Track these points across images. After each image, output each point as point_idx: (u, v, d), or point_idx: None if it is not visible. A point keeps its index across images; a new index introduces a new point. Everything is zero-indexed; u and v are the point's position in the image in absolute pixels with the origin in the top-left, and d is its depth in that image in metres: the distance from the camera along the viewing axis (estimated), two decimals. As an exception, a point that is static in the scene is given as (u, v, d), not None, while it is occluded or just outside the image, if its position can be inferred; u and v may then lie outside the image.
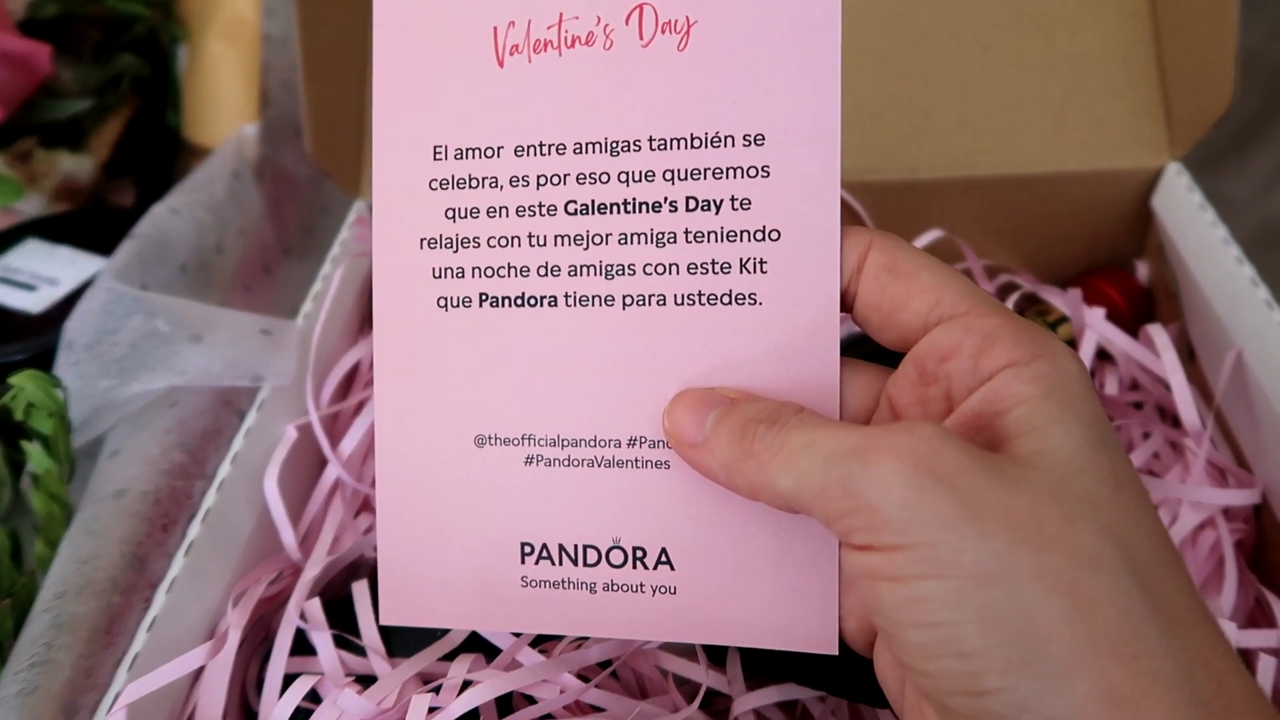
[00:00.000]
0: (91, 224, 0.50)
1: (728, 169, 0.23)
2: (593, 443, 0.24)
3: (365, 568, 0.36)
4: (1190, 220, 0.41)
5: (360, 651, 0.30)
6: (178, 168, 0.60)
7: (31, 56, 0.50)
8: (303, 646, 0.31)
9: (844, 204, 0.23)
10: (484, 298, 0.25)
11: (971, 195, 0.46)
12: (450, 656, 0.29)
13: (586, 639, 0.29)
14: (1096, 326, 0.40)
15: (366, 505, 0.38)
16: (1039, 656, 0.16)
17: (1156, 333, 0.39)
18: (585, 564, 0.24)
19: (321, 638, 0.30)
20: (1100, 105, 0.45)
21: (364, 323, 0.45)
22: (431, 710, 0.26)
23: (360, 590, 0.31)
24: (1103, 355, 0.42)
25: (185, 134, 0.58)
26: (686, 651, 0.30)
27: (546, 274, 0.24)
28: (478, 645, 0.30)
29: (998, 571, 0.17)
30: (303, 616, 0.31)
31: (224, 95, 0.55)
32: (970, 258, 0.44)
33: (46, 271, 0.46)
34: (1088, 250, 0.48)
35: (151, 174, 0.60)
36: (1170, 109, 0.44)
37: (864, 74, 0.46)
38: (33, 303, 0.44)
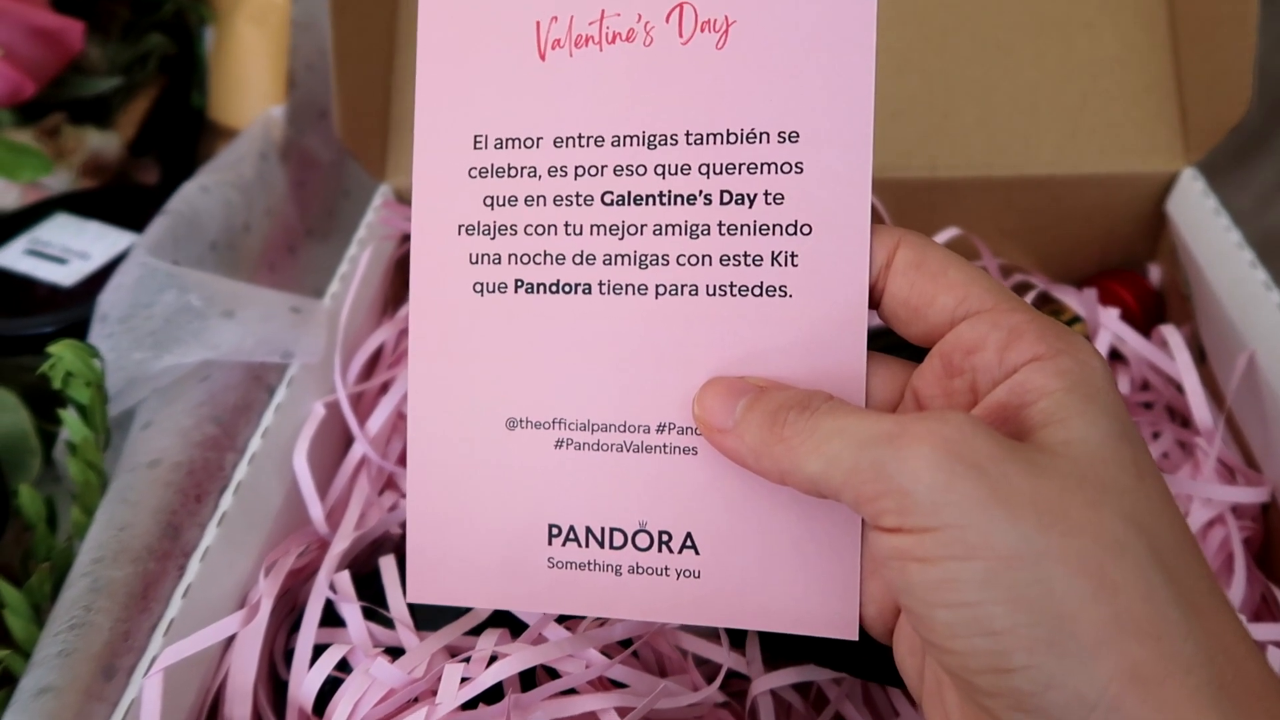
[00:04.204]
0: (118, 201, 0.50)
1: (762, 164, 0.24)
2: (622, 428, 0.25)
3: (389, 544, 0.37)
4: (1204, 225, 0.42)
5: (387, 624, 0.31)
6: (201, 148, 0.61)
7: (63, 33, 0.51)
8: (329, 620, 0.32)
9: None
10: (519, 284, 0.25)
11: (989, 195, 0.46)
12: (476, 631, 0.30)
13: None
14: (1111, 326, 0.41)
15: (391, 483, 0.38)
16: (1065, 635, 0.17)
17: (1170, 334, 0.39)
18: (611, 546, 0.25)
19: (351, 609, 0.31)
20: (1117, 109, 0.45)
21: (389, 304, 0.46)
22: (461, 681, 0.27)
23: (388, 564, 0.32)
24: (1114, 356, 0.43)
25: (210, 114, 0.59)
26: (708, 632, 0.30)
27: (582, 262, 0.25)
28: (503, 621, 0.30)
29: (1026, 554, 0.17)
30: (332, 588, 0.32)
31: (251, 77, 0.56)
32: (986, 256, 0.44)
33: (77, 245, 0.46)
34: (1101, 252, 0.49)
35: (175, 153, 0.60)
36: (1186, 115, 0.45)
37: (886, 73, 0.46)
38: (64, 276, 0.44)
